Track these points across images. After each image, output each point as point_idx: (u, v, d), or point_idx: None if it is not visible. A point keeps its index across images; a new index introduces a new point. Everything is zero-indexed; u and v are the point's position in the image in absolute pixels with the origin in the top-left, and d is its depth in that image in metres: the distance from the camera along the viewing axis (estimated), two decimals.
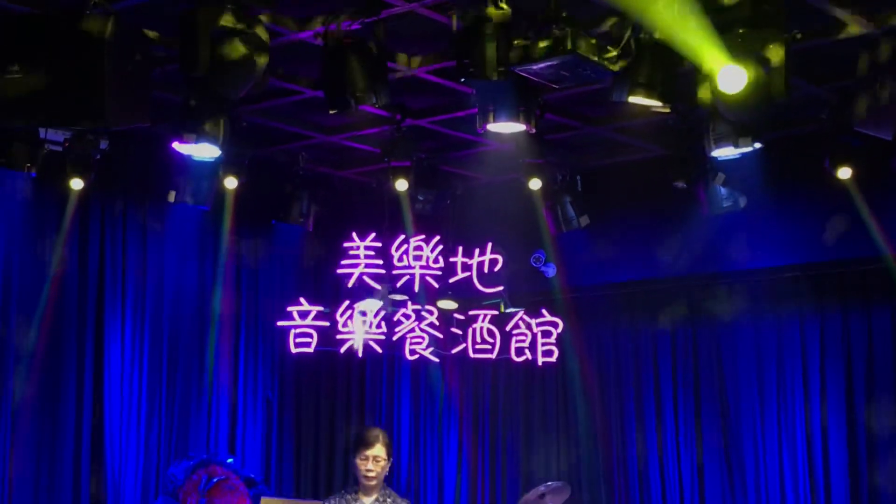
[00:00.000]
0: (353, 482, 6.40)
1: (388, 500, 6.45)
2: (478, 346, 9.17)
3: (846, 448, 9.02)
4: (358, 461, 6.34)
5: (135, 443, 9.15)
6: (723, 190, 8.60)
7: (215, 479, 9.14)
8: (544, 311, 9.23)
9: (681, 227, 9.27)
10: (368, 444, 6.35)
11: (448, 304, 9.41)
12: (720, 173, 8.45)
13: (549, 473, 9.98)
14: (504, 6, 6.37)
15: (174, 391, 9.54)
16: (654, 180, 9.03)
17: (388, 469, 6.46)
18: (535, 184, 9.26)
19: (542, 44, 6.22)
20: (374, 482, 6.35)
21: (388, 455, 6.43)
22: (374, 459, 6.34)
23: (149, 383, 9.33)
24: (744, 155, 7.91)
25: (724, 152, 7.97)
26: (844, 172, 8.24)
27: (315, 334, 9.15)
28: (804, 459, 9.16)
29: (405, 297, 9.20)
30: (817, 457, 9.11)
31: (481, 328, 9.16)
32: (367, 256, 8.92)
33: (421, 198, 9.54)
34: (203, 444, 9.64)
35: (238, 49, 6.40)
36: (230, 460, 9.46)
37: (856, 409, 9.03)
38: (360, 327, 8.87)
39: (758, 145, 7.74)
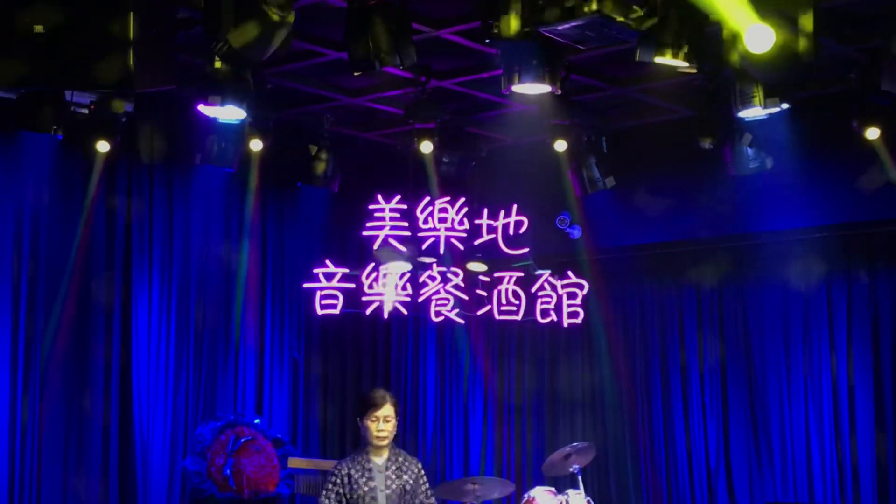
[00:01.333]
0: (363, 444, 6.42)
1: (400, 459, 6.47)
2: (503, 308, 9.18)
3: (873, 410, 9.00)
4: (368, 423, 6.35)
5: (163, 404, 9.23)
6: (749, 151, 8.55)
7: (243, 440, 9.22)
8: (570, 273, 9.23)
9: (707, 189, 9.23)
10: (377, 405, 6.36)
11: (473, 266, 9.42)
12: (747, 134, 8.40)
13: (574, 435, 10.02)
14: None
15: (201, 352, 9.60)
16: (680, 141, 8.97)
17: (396, 428, 6.49)
18: (560, 145, 9.23)
19: (568, 4, 6.17)
20: (385, 442, 6.38)
21: (397, 414, 6.45)
22: (385, 420, 6.36)
23: (176, 345, 9.39)
24: (771, 115, 7.87)
25: (751, 113, 7.93)
26: (872, 133, 8.19)
27: (341, 296, 9.18)
28: (830, 421, 9.15)
29: (431, 259, 9.22)
30: (843, 418, 9.10)
31: (506, 290, 9.18)
32: (392, 219, 8.93)
33: (446, 160, 9.53)
34: (230, 404, 9.72)
35: (262, 11, 6.38)
36: (257, 421, 9.54)
37: (882, 371, 9.01)
38: (390, 290, 8.89)
39: (785, 106, 7.69)
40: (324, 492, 6.35)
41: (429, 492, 6.46)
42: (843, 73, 8.16)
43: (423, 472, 6.48)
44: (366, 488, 6.30)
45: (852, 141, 8.32)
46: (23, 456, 8.42)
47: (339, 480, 6.32)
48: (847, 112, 8.22)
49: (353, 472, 6.30)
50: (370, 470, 6.34)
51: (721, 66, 6.77)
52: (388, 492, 6.32)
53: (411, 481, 6.37)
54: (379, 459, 6.37)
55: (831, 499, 9.01)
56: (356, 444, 10.60)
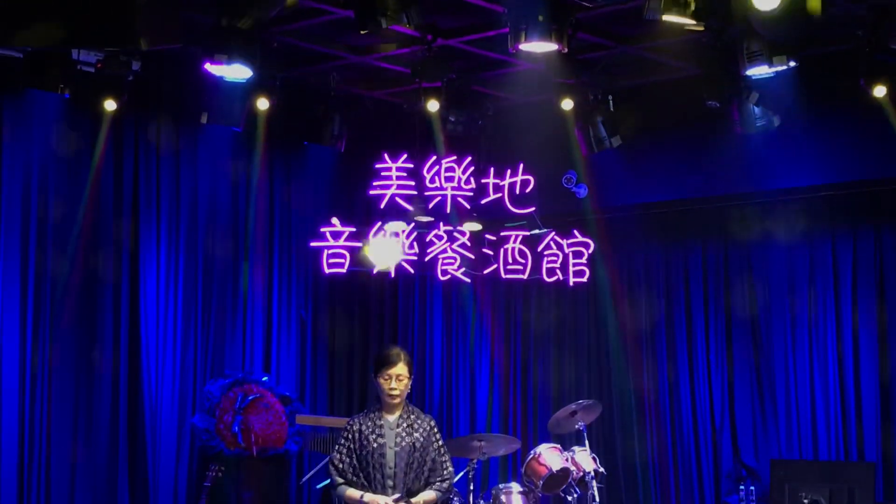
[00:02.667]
0: (375, 402, 6.45)
1: (412, 416, 6.49)
2: (509, 267, 9.19)
3: (877, 367, 9.03)
4: (381, 381, 6.39)
5: (171, 361, 9.28)
6: (756, 109, 8.54)
7: (251, 397, 9.28)
8: (576, 232, 9.24)
9: (714, 147, 9.22)
10: (391, 363, 6.39)
11: (480, 225, 9.43)
12: (754, 92, 8.39)
13: (579, 392, 10.06)
14: None
15: (209, 311, 9.65)
16: (687, 100, 8.96)
17: (409, 387, 6.52)
18: (566, 104, 9.23)
19: None
20: (397, 400, 6.40)
21: (410, 373, 6.47)
22: (398, 378, 6.38)
23: (184, 303, 9.44)
24: (778, 73, 7.85)
25: (758, 71, 7.91)
26: (880, 91, 8.17)
27: (348, 255, 9.20)
28: (835, 378, 9.18)
29: (430, 219, 9.22)
30: (848, 376, 9.13)
31: (513, 249, 9.19)
32: (398, 178, 8.94)
33: (452, 119, 9.52)
34: (238, 362, 9.77)
35: None
36: (265, 379, 9.60)
37: (888, 328, 9.03)
38: (393, 249, 8.92)
39: (792, 63, 7.67)
40: (336, 446, 6.40)
41: (441, 448, 6.47)
42: (851, 30, 8.12)
43: (436, 429, 6.50)
44: (375, 445, 6.33)
45: (860, 99, 8.31)
46: (32, 415, 8.48)
47: (350, 436, 6.37)
48: (854, 70, 8.19)
49: (364, 427, 6.34)
50: (381, 427, 6.37)
51: (728, 23, 6.76)
52: (396, 449, 6.35)
53: (422, 439, 6.39)
54: (391, 416, 6.41)
55: (835, 455, 9.05)
56: (363, 401, 10.70)
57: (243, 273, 9.90)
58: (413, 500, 6.29)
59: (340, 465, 6.31)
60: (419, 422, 6.44)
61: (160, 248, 9.32)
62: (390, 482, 6.31)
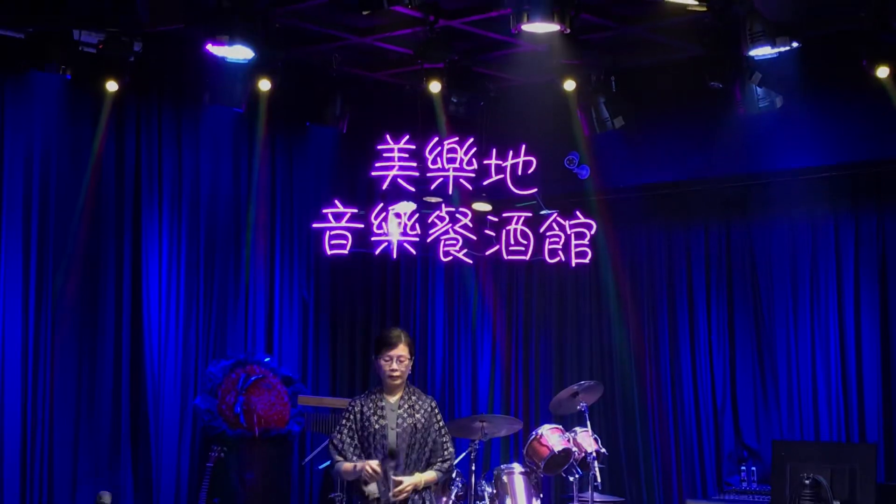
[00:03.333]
0: (376, 383, 6.46)
1: (413, 398, 6.50)
2: (511, 248, 9.19)
3: (879, 348, 9.03)
4: (382, 362, 6.39)
5: (174, 343, 9.29)
6: (759, 90, 8.53)
7: (253, 378, 9.30)
8: (578, 213, 9.24)
9: (716, 128, 9.20)
10: (391, 345, 6.39)
11: (482, 206, 9.43)
12: (757, 73, 8.37)
13: (581, 373, 10.07)
14: None
15: (212, 292, 9.66)
16: (689, 80, 8.94)
17: (410, 368, 6.53)
18: (569, 85, 9.22)
19: None
20: (398, 381, 6.41)
21: (411, 354, 6.47)
22: (398, 359, 6.39)
23: (186, 284, 9.44)
24: (781, 54, 7.84)
25: (761, 51, 7.90)
26: (882, 71, 8.16)
27: (350, 236, 9.20)
28: (836, 359, 9.19)
29: (439, 200, 9.23)
30: (850, 356, 9.14)
31: (515, 230, 9.19)
32: (400, 159, 8.93)
33: (454, 100, 9.51)
34: (241, 343, 9.78)
35: None
36: (267, 359, 9.61)
37: (889, 309, 9.03)
38: (394, 229, 8.92)
39: (795, 44, 7.65)
40: (337, 427, 6.41)
41: (443, 430, 6.49)
42: (854, 11, 8.10)
43: (437, 410, 6.51)
44: (377, 426, 6.34)
45: (862, 80, 8.29)
46: (35, 396, 8.49)
47: (352, 417, 6.38)
48: (857, 51, 8.17)
49: (365, 409, 6.35)
50: (382, 408, 6.38)
51: (731, 3, 6.74)
52: (398, 430, 6.36)
53: (423, 420, 6.40)
54: (392, 398, 6.42)
55: (837, 437, 9.07)
56: (365, 382, 10.72)
57: (245, 254, 9.90)
58: (414, 478, 6.31)
59: (340, 446, 6.32)
60: (420, 403, 6.45)
61: (162, 228, 9.32)
62: (392, 463, 6.33)
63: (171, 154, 9.44)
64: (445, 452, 6.46)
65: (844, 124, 8.83)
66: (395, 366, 6.35)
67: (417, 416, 6.39)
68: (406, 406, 6.40)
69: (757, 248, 9.62)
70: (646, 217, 10.14)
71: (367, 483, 6.21)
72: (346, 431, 6.35)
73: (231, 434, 9.14)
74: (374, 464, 6.18)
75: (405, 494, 6.28)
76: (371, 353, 10.60)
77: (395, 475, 6.29)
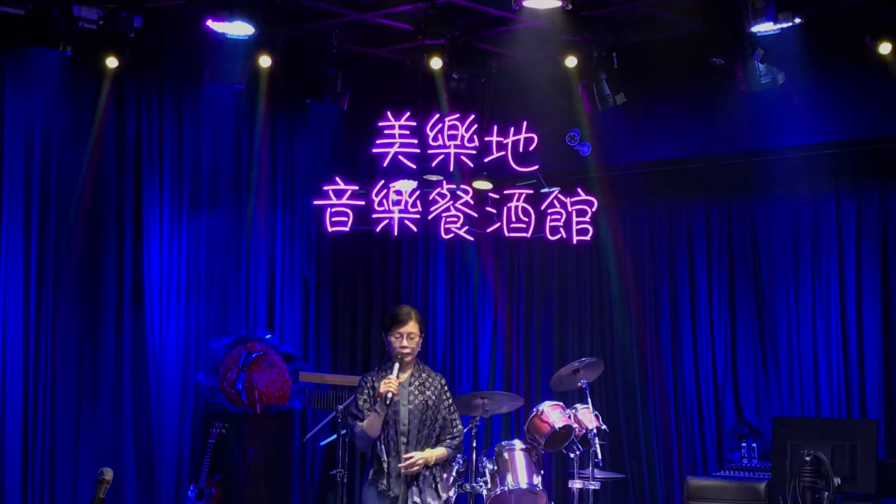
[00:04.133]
0: (387, 360, 6.49)
1: (423, 375, 6.54)
2: (512, 225, 9.19)
3: (880, 325, 9.04)
4: (392, 339, 6.43)
5: (175, 319, 9.29)
6: (761, 66, 8.50)
7: (254, 355, 9.31)
8: (579, 190, 9.23)
9: (718, 105, 9.17)
10: (402, 322, 6.43)
11: (483, 184, 9.42)
12: (759, 49, 8.34)
13: (582, 350, 10.08)
14: None
15: (213, 269, 9.66)
16: (691, 57, 8.92)
17: (420, 345, 6.56)
18: (570, 61, 9.18)
19: None
20: (409, 358, 6.45)
21: (421, 331, 6.51)
22: (409, 336, 6.42)
23: (188, 261, 9.44)
24: (783, 30, 7.81)
25: (764, 27, 7.87)
26: (885, 48, 8.13)
27: (351, 213, 9.20)
28: (838, 336, 9.19)
29: (438, 177, 9.22)
30: (851, 333, 9.15)
31: (516, 207, 9.18)
32: (401, 136, 8.92)
33: (455, 76, 9.47)
34: (242, 320, 9.79)
35: None
36: (269, 336, 9.62)
37: (891, 287, 9.03)
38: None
39: (798, 20, 7.62)
40: (352, 401, 6.47)
41: (452, 407, 6.54)
42: None
43: (446, 388, 6.56)
44: (388, 403, 6.38)
45: (865, 56, 8.27)
46: (37, 374, 8.50)
47: (366, 389, 6.43)
48: (860, 27, 8.14)
49: (377, 385, 6.39)
50: (395, 396, 6.41)
51: None
52: (410, 407, 6.40)
53: (434, 397, 6.45)
54: (403, 375, 6.45)
55: (837, 414, 9.08)
56: (366, 358, 10.74)
57: (246, 231, 9.90)
58: (425, 453, 6.36)
59: (360, 414, 6.37)
60: (430, 380, 6.50)
61: (163, 204, 9.32)
62: (403, 439, 6.38)
63: (172, 130, 9.43)
64: (455, 430, 6.52)
65: (846, 101, 8.81)
66: (405, 343, 6.39)
67: (428, 392, 6.44)
68: (417, 383, 6.45)
69: (758, 224, 9.61)
70: (647, 194, 10.13)
71: (386, 401, 6.27)
72: (362, 401, 6.40)
73: (232, 410, 9.16)
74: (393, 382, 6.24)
75: (416, 468, 6.33)
76: (375, 330, 10.77)
77: (406, 451, 6.34)
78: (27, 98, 8.60)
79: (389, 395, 6.26)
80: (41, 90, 8.67)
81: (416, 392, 6.45)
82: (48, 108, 8.71)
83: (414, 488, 6.36)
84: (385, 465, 6.35)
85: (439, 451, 6.46)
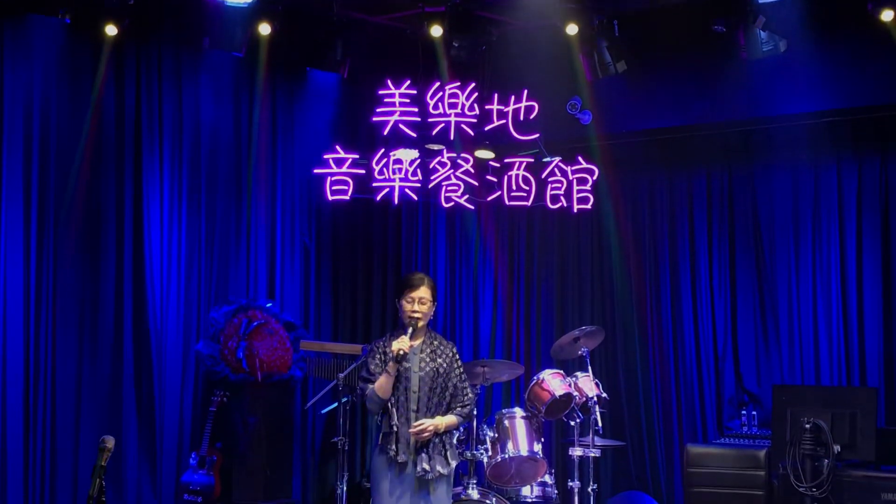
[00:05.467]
0: (399, 326, 6.51)
1: (435, 343, 6.58)
2: (513, 194, 9.18)
3: (881, 293, 9.05)
4: (404, 303, 6.47)
5: (175, 288, 9.30)
6: (762, 34, 8.47)
7: (255, 323, 9.32)
8: (580, 159, 9.21)
9: (719, 73, 9.15)
10: (414, 286, 6.49)
11: (484, 152, 9.40)
12: (760, 16, 8.31)
13: (582, 318, 10.10)
14: None
15: (213, 237, 9.65)
16: (692, 24, 8.88)
17: (432, 312, 6.59)
18: (571, 29, 9.15)
19: None
20: (420, 323, 6.48)
21: (433, 298, 6.55)
22: (420, 301, 6.47)
23: (188, 229, 9.44)
24: None
25: None
26: (887, 15, 8.10)
27: (351, 182, 9.20)
28: (838, 304, 9.20)
29: (440, 146, 9.20)
30: (851, 302, 9.16)
31: (517, 175, 9.16)
32: (402, 104, 8.90)
33: (456, 44, 9.44)
34: (242, 289, 9.79)
35: None
36: (269, 305, 9.63)
37: (891, 254, 9.03)
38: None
39: None
40: (363, 365, 6.50)
41: (462, 375, 6.58)
42: None
43: (457, 356, 6.60)
44: (400, 369, 6.41)
45: (867, 24, 8.23)
46: (37, 342, 8.51)
47: (378, 354, 6.46)
48: None
49: (388, 350, 6.42)
50: (406, 357, 6.43)
51: None
52: (421, 374, 6.44)
53: (445, 364, 6.49)
54: (414, 342, 6.48)
55: (837, 381, 9.11)
56: (367, 326, 10.76)
57: (246, 199, 9.89)
58: (435, 420, 6.40)
59: (371, 378, 6.41)
60: (442, 348, 6.54)
61: (163, 173, 9.30)
62: (414, 406, 6.41)
63: (172, 99, 9.40)
64: (465, 398, 6.56)
65: (848, 68, 8.78)
66: (416, 307, 6.44)
67: (439, 360, 6.47)
68: (428, 350, 6.48)
69: (759, 192, 9.61)
70: (648, 162, 10.11)
71: (398, 359, 6.30)
72: (373, 365, 6.44)
73: (233, 379, 9.18)
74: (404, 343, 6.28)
75: (426, 435, 6.36)
76: (376, 299, 10.77)
77: (416, 418, 6.37)
78: (26, 66, 8.56)
79: (401, 352, 6.29)
80: (40, 58, 8.63)
81: (428, 359, 6.48)
82: (47, 76, 8.68)
83: (423, 455, 6.40)
84: (395, 432, 6.38)
85: (449, 419, 6.50)
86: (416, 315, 6.44)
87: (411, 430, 6.37)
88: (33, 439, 8.41)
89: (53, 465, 8.55)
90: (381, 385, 6.37)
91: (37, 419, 8.45)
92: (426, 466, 6.38)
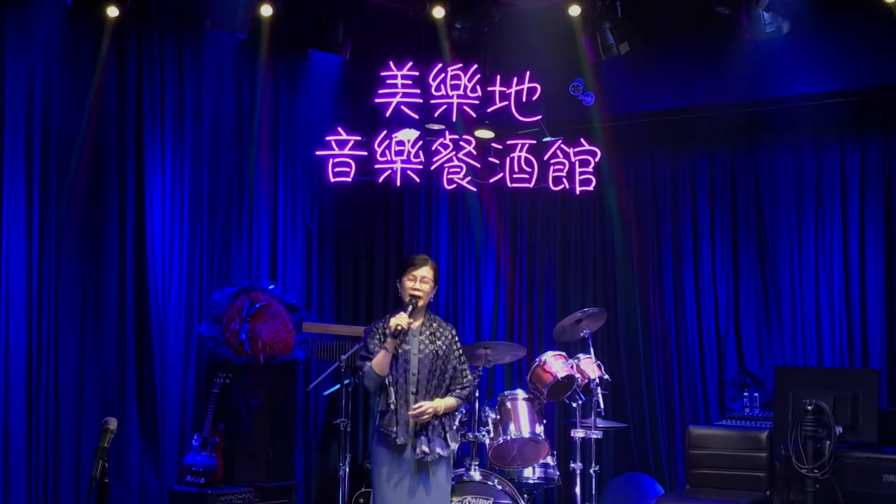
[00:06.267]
0: (400, 307, 6.53)
1: (434, 325, 6.59)
2: (515, 176, 9.18)
3: (883, 275, 9.03)
4: (406, 281, 6.51)
5: (178, 270, 9.30)
6: (766, 15, 8.45)
7: (258, 305, 9.32)
8: (582, 140, 9.20)
9: (722, 54, 9.12)
10: (416, 265, 6.53)
11: (486, 134, 9.39)
12: None
13: (585, 300, 10.09)
14: None
15: (215, 219, 9.65)
16: (696, 6, 8.85)
17: (433, 294, 6.60)
18: (574, 10, 9.12)
19: None
20: (421, 302, 6.50)
21: (435, 280, 6.57)
22: (422, 279, 6.50)
23: (190, 211, 9.43)
24: None
25: None
26: None
27: (353, 163, 9.20)
28: (840, 285, 9.19)
29: (442, 127, 9.19)
30: (854, 282, 9.14)
31: (519, 157, 9.16)
32: (404, 86, 8.89)
33: (458, 25, 9.42)
34: (245, 271, 9.80)
35: None
36: (271, 287, 9.63)
37: (894, 237, 9.01)
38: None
39: None
40: (362, 344, 6.51)
41: (462, 357, 6.59)
42: None
43: (456, 338, 6.62)
44: (399, 351, 6.43)
45: (870, 4, 8.20)
46: (40, 324, 8.51)
47: (378, 334, 6.48)
48: None
49: (388, 329, 6.43)
50: (405, 333, 6.45)
51: None
52: (420, 356, 6.45)
53: (444, 347, 6.50)
54: (414, 324, 6.49)
55: (840, 363, 9.11)
56: (369, 308, 10.76)
57: (248, 181, 9.88)
58: (434, 403, 6.41)
59: (370, 356, 6.42)
60: (441, 330, 6.55)
61: (165, 155, 9.28)
62: (413, 388, 6.43)
63: (173, 81, 9.37)
64: (465, 380, 6.57)
65: (851, 50, 8.75)
66: (417, 285, 6.47)
67: (439, 342, 6.49)
68: (428, 332, 6.50)
69: (762, 174, 9.59)
70: (650, 144, 10.09)
71: (396, 335, 6.32)
72: (372, 345, 6.45)
73: (236, 361, 9.19)
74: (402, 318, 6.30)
75: (426, 417, 6.38)
76: (378, 280, 10.77)
77: (415, 400, 6.38)
78: (27, 49, 8.54)
79: (399, 328, 6.31)
80: (41, 41, 8.61)
81: (427, 342, 6.49)
82: (49, 58, 8.65)
83: (423, 437, 6.41)
84: (392, 411, 6.40)
85: (448, 401, 6.51)
86: (416, 293, 6.46)
87: (410, 413, 6.38)
88: (36, 421, 8.42)
89: (56, 446, 8.56)
90: (379, 361, 6.38)
91: (40, 401, 8.46)
92: (425, 449, 6.39)
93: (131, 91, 9.12)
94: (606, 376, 8.51)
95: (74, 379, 8.75)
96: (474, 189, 9.39)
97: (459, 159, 9.13)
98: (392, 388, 6.40)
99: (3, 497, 8.09)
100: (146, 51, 9.19)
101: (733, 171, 9.72)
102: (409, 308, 6.41)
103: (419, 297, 6.47)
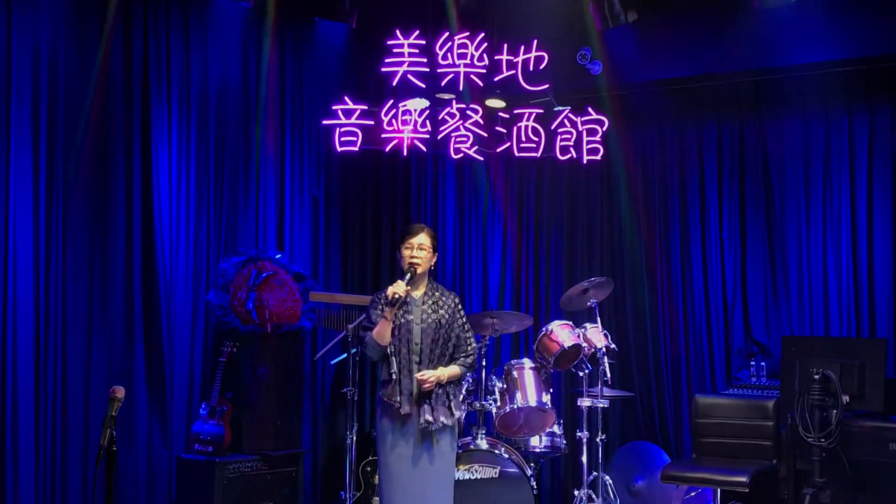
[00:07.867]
0: (400, 277, 6.52)
1: (437, 293, 6.60)
2: (522, 145, 9.16)
3: (891, 245, 9.02)
4: (404, 250, 6.51)
5: (185, 239, 9.30)
6: None
7: (265, 274, 9.33)
8: (590, 109, 9.17)
9: (730, 22, 9.08)
10: (412, 233, 6.55)
11: (493, 103, 9.37)
12: None
13: (592, 270, 10.09)
14: None
15: (222, 188, 9.64)
16: None
17: (433, 262, 6.60)
18: None
19: None
20: (420, 270, 6.50)
21: (433, 247, 6.56)
22: (419, 247, 6.50)
23: (197, 181, 9.42)
24: None
25: None
26: None
27: (360, 133, 9.18)
28: (848, 255, 9.18)
29: (450, 96, 9.17)
30: (861, 252, 9.13)
31: (526, 126, 9.14)
32: (411, 55, 8.86)
33: None
34: (252, 240, 9.80)
35: None
36: (279, 256, 9.64)
37: None
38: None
39: None
40: (370, 310, 6.52)
41: (465, 325, 6.60)
42: None
43: (459, 306, 6.62)
44: (402, 320, 6.44)
45: None
46: (47, 294, 8.52)
47: (379, 306, 6.48)
48: None
49: (386, 300, 6.44)
50: (407, 303, 6.46)
51: None
52: (423, 325, 6.46)
53: (447, 315, 6.50)
54: (416, 293, 6.50)
55: (847, 333, 9.11)
56: (376, 278, 10.77)
57: (255, 151, 9.87)
58: (438, 371, 6.42)
59: (372, 326, 6.44)
60: (444, 299, 6.55)
61: (171, 125, 9.27)
62: (416, 357, 6.43)
63: (179, 50, 9.35)
64: (469, 348, 6.58)
65: (861, 18, 8.70)
66: (415, 252, 6.47)
67: (441, 311, 6.49)
68: (430, 302, 6.50)
69: (770, 143, 9.56)
70: (658, 113, 10.06)
71: (393, 303, 6.33)
72: (374, 315, 6.46)
73: (243, 330, 9.21)
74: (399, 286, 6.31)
75: (429, 386, 6.39)
76: (385, 250, 10.78)
77: (418, 370, 6.39)
78: (33, 21, 8.51)
79: (396, 296, 6.31)
80: (47, 12, 8.58)
81: (430, 311, 6.50)
82: (55, 30, 8.62)
83: (426, 406, 6.42)
84: (395, 380, 6.42)
85: (452, 370, 6.52)
86: (414, 261, 6.47)
87: (418, 378, 6.39)
88: (44, 389, 8.45)
89: (65, 415, 8.59)
90: (379, 331, 6.40)
91: (48, 370, 8.48)
92: (429, 418, 6.40)
93: (137, 61, 9.09)
94: (613, 345, 8.52)
95: (82, 347, 8.76)
96: (481, 158, 9.38)
97: (466, 128, 9.12)
98: (395, 358, 6.41)
99: (11, 465, 8.13)
100: (152, 20, 9.16)
101: (741, 140, 9.69)
102: (408, 276, 6.41)
103: (417, 265, 6.47)
